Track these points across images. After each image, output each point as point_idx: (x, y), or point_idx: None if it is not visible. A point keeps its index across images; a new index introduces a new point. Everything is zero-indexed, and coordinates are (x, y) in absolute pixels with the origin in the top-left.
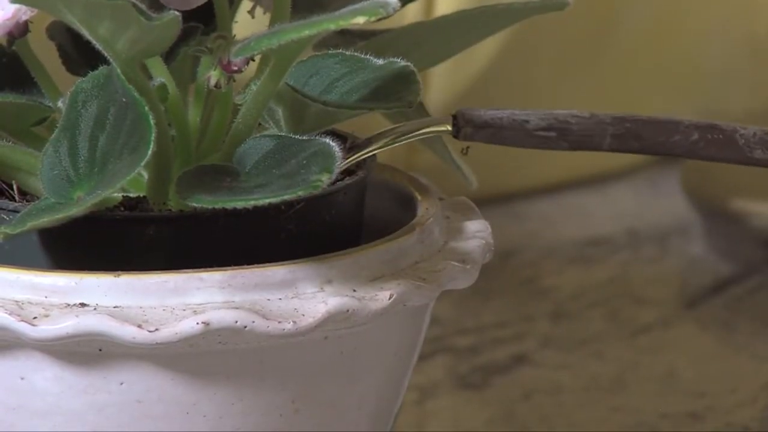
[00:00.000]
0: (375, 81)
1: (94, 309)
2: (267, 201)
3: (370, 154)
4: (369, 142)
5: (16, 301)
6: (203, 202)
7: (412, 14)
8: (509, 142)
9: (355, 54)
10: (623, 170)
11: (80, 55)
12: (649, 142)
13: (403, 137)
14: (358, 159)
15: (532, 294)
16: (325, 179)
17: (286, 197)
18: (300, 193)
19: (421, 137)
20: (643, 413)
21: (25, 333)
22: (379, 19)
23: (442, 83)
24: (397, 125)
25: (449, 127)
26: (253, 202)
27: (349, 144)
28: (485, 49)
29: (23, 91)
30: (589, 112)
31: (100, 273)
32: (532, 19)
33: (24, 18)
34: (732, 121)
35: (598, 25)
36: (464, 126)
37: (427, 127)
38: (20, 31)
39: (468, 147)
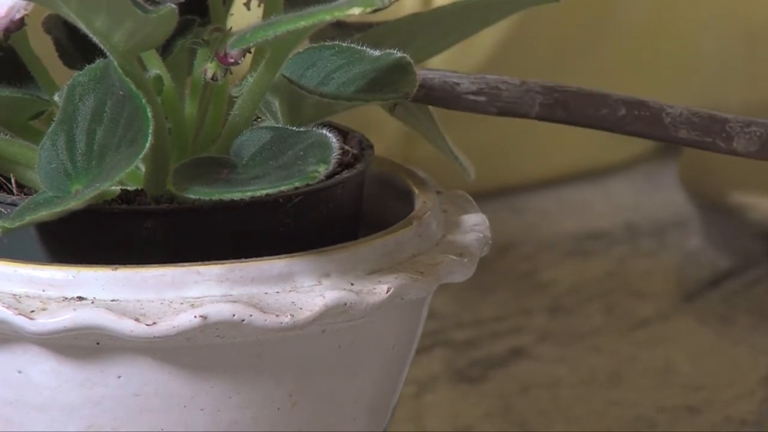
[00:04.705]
0: (372, 72)
1: (92, 302)
2: (264, 192)
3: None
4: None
5: (14, 295)
6: (200, 193)
7: (409, 6)
8: (440, 103)
9: (352, 46)
10: (621, 164)
11: (77, 48)
12: (576, 113)
13: None
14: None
15: (530, 288)
16: (322, 170)
17: (283, 188)
18: (297, 183)
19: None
20: (640, 407)
21: (22, 326)
22: (376, 11)
23: None
24: None
25: None
26: (250, 194)
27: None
28: (483, 41)
29: (20, 84)
30: (520, 80)
31: (97, 266)
32: (529, 9)
33: (18, 16)
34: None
35: (595, 16)
36: None
37: None
38: (16, 27)
39: (395, 105)
